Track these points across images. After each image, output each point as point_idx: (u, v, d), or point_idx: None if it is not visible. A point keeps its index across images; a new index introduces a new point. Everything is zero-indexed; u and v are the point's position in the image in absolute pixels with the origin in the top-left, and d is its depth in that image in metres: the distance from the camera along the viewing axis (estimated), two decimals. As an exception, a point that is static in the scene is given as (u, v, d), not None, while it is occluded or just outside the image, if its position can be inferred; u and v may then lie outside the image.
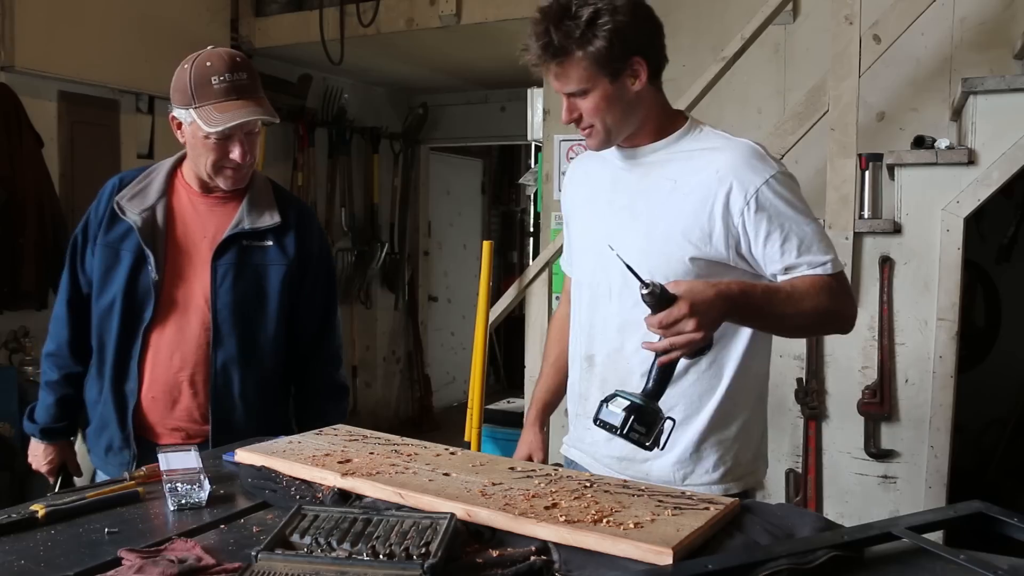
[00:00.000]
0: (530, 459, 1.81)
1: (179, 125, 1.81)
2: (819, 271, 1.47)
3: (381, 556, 1.01)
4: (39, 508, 1.23)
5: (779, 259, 1.48)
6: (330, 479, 1.35)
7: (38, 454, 2.01)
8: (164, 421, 1.86)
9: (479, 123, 6.38)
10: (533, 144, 4.36)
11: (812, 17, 3.44)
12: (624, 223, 1.57)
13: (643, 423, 1.29)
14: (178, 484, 1.31)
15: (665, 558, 1.03)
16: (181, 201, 1.89)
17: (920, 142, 2.84)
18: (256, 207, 1.88)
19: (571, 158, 4.01)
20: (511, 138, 6.31)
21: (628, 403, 1.30)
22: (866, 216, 2.84)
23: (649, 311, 1.29)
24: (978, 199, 2.65)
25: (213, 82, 1.73)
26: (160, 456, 1.41)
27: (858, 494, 2.83)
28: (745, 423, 1.58)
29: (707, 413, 1.54)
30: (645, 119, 1.54)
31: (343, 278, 5.66)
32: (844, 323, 1.54)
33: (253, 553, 1.02)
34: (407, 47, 4.86)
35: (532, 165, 7.38)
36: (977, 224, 3.74)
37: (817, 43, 3.23)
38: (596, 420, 1.32)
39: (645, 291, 1.26)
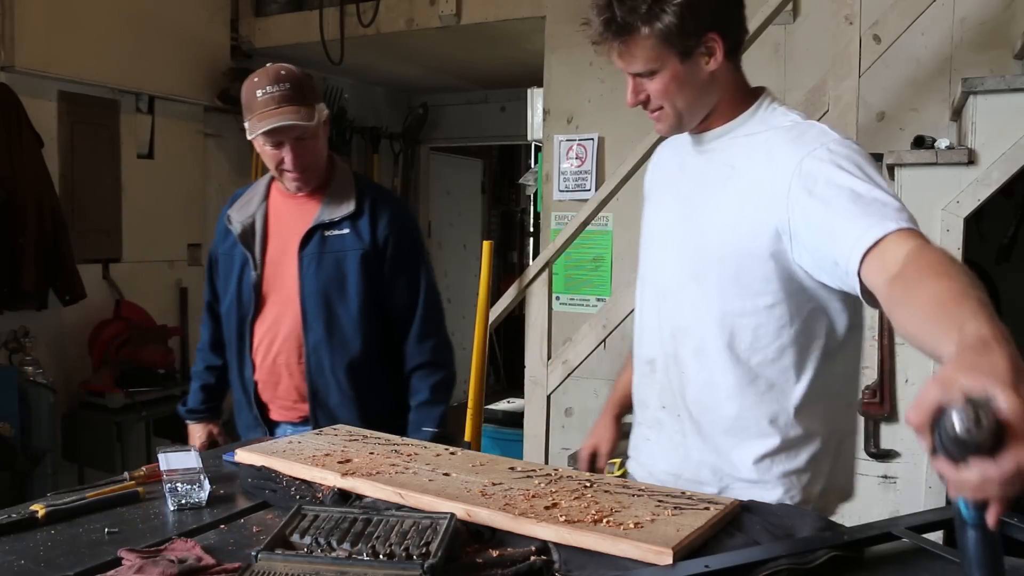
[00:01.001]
0: (594, 452, 1.72)
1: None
2: (891, 227, 1.12)
3: (381, 556, 1.01)
4: (39, 508, 1.23)
5: (848, 231, 1.16)
6: (330, 479, 1.35)
7: (191, 433, 2.26)
8: (273, 400, 2.06)
9: (479, 123, 6.38)
10: (533, 144, 4.35)
11: (812, 17, 3.44)
12: (685, 215, 1.45)
13: None
14: (178, 484, 1.31)
15: (665, 558, 1.03)
16: (276, 205, 2.08)
17: (920, 142, 2.84)
18: (335, 199, 2.03)
19: (571, 158, 4.00)
20: (511, 138, 6.30)
21: None
22: (866, 216, 2.84)
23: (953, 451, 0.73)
24: (978, 199, 2.65)
25: (257, 95, 1.90)
26: (160, 456, 1.41)
27: (858, 494, 2.82)
28: (815, 455, 1.39)
29: (771, 440, 1.37)
30: (721, 100, 1.39)
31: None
32: None
33: (253, 553, 1.02)
34: (407, 47, 4.86)
35: (532, 165, 7.38)
36: (977, 224, 3.73)
37: (817, 43, 3.23)
38: None
39: (970, 430, 0.70)
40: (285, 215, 2.06)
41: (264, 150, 1.95)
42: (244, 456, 1.50)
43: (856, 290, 1.17)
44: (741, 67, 1.41)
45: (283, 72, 1.92)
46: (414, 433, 1.96)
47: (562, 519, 1.13)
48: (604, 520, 1.13)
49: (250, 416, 2.08)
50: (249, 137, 1.92)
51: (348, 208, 2.01)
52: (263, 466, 1.45)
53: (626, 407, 1.70)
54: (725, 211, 1.36)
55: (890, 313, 1.08)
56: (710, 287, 1.38)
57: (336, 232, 2.00)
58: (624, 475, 1.66)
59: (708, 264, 1.38)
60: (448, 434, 2.02)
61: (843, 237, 1.17)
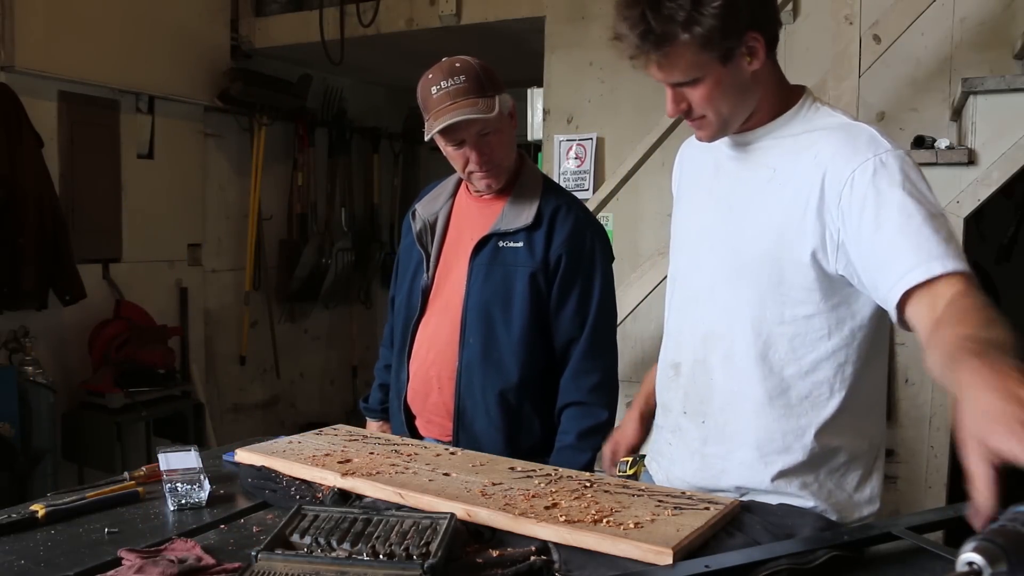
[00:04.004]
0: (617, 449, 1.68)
1: None
2: (938, 269, 1.14)
3: (381, 556, 1.01)
4: (39, 508, 1.23)
5: (893, 265, 1.17)
6: (330, 479, 1.35)
7: (368, 426, 2.12)
8: (422, 413, 1.92)
9: (479, 123, 6.36)
10: (533, 144, 4.35)
11: (812, 17, 3.44)
12: (720, 217, 1.40)
13: None
14: (178, 484, 1.31)
15: (665, 558, 1.03)
16: (461, 204, 1.95)
17: (920, 142, 2.84)
18: (516, 205, 1.85)
19: (571, 158, 4.01)
20: (511, 138, 6.28)
21: None
22: (866, 216, 2.84)
23: None
24: (978, 199, 2.65)
25: (432, 92, 1.76)
26: (160, 456, 1.41)
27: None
28: (841, 469, 1.34)
29: (794, 455, 1.32)
30: (761, 100, 1.34)
31: (343, 278, 5.65)
32: None
33: (253, 553, 1.02)
34: (407, 47, 4.86)
35: (532, 165, 7.36)
36: (977, 224, 3.73)
37: (817, 43, 3.23)
38: None
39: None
40: (466, 217, 1.92)
41: (448, 151, 1.81)
42: (244, 456, 1.50)
43: (894, 318, 1.20)
44: (778, 63, 1.36)
45: (458, 64, 1.77)
46: None
47: (562, 519, 1.13)
48: (604, 520, 1.13)
49: (398, 422, 1.95)
50: (427, 138, 1.78)
51: (526, 219, 1.81)
52: (263, 466, 1.45)
53: (652, 405, 1.63)
54: (767, 214, 1.32)
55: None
56: (745, 292, 1.34)
57: (510, 244, 1.82)
58: (636, 475, 1.63)
59: (745, 268, 1.33)
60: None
61: (888, 269, 1.18)
